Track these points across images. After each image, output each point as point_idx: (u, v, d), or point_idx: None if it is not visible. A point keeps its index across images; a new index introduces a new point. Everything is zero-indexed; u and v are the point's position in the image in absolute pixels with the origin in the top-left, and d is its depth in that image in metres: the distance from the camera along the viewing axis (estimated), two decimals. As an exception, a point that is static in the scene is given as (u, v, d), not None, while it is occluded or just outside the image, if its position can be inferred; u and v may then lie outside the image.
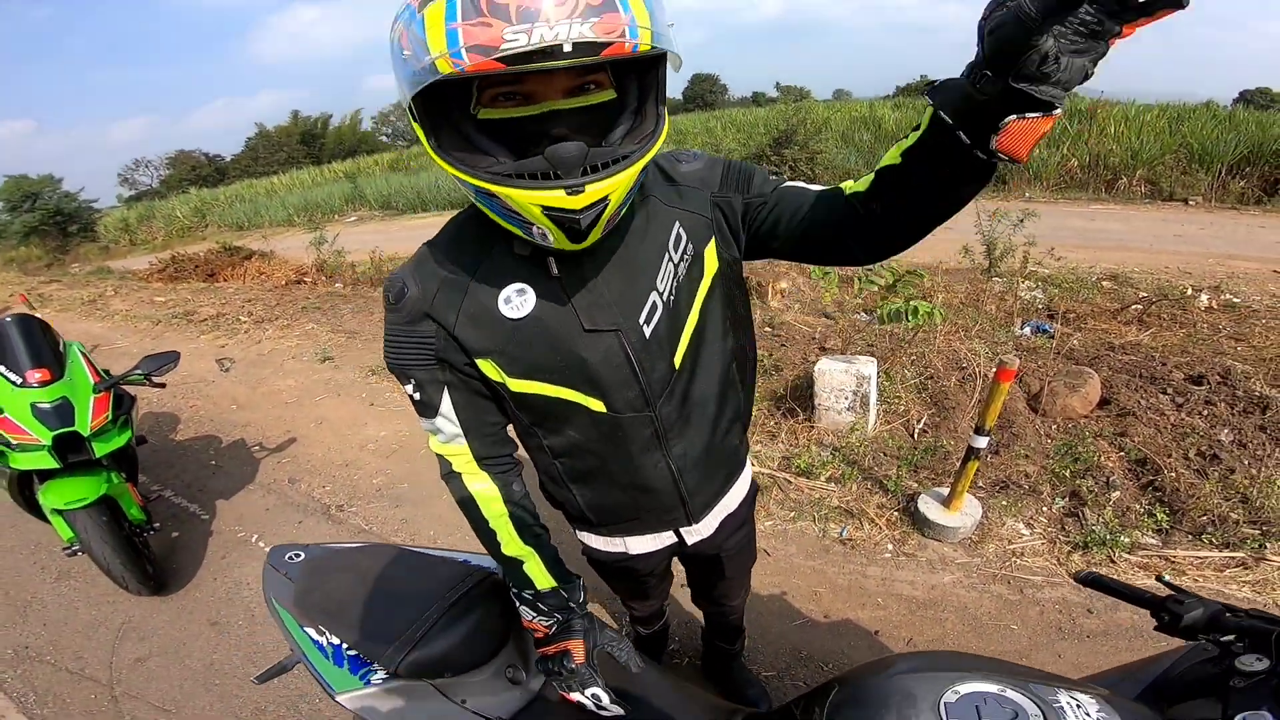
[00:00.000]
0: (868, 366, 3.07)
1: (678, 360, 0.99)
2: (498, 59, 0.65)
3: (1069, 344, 3.83)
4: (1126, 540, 2.41)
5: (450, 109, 0.75)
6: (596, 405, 0.96)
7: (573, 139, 0.73)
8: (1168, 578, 0.90)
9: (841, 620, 2.23)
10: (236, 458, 3.75)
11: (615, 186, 0.74)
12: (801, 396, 3.29)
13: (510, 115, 0.75)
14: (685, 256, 0.96)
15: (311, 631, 1.20)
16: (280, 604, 1.27)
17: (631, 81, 0.80)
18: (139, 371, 2.63)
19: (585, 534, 1.22)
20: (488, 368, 0.94)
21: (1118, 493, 2.66)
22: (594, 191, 0.72)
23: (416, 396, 0.97)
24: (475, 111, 0.76)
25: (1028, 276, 4.82)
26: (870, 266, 3.07)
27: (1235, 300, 4.68)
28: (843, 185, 0.90)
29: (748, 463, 1.26)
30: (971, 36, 0.61)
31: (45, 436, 2.31)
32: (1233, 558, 2.33)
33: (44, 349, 2.55)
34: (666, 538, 1.19)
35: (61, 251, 19.66)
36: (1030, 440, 3.03)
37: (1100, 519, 2.53)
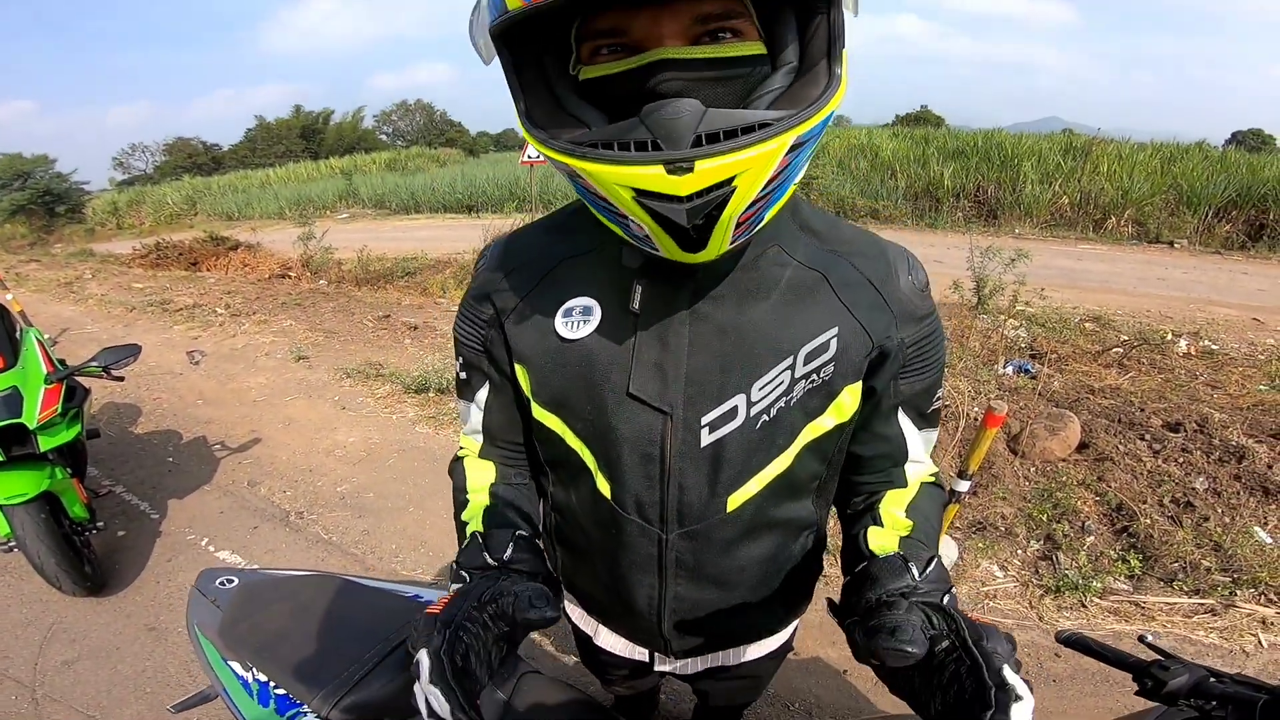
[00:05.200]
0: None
1: (733, 502, 0.74)
2: None
3: (1050, 385, 3.82)
4: (1099, 585, 2.42)
5: (548, 71, 0.60)
6: (603, 486, 0.77)
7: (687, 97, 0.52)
8: (1150, 638, 0.87)
9: (811, 659, 2.18)
10: (196, 456, 3.63)
11: (745, 167, 0.51)
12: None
13: (611, 71, 0.57)
14: (815, 378, 0.70)
15: (236, 666, 1.11)
16: (204, 633, 1.18)
17: (789, 27, 0.57)
18: (96, 364, 2.53)
19: (566, 596, 1.04)
20: (522, 377, 0.78)
21: (1092, 538, 2.67)
22: (706, 171, 0.50)
23: (462, 375, 0.85)
24: (576, 71, 0.60)
25: (1014, 315, 4.80)
26: None
27: (1214, 347, 4.70)
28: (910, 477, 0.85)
29: (788, 628, 1.00)
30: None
31: (-13, 428, 2.21)
32: (1202, 604, 2.36)
33: (-4, 335, 2.45)
34: (639, 651, 0.98)
35: (46, 231, 19.46)
36: (1009, 482, 3.02)
37: (1074, 564, 2.53)
